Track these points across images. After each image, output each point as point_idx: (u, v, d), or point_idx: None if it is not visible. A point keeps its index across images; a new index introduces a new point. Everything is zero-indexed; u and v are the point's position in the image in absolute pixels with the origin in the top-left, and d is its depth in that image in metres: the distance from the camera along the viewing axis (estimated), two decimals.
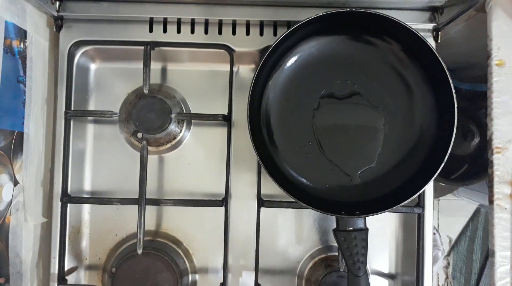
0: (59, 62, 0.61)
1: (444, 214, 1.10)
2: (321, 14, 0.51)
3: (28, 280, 0.57)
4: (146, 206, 0.58)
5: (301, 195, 0.53)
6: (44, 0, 0.56)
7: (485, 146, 0.54)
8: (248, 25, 0.62)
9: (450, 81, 0.50)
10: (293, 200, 0.51)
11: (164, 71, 0.64)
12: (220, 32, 0.62)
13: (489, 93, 0.53)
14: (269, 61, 0.54)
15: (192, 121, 0.64)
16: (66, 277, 0.59)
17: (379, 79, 0.57)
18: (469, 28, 0.61)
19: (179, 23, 0.61)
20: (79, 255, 0.63)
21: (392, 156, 0.57)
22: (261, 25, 0.62)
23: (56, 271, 0.59)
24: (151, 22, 0.61)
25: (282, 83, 0.57)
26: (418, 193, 0.51)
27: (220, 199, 0.60)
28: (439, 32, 0.60)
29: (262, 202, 0.60)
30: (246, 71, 0.64)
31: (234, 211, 0.62)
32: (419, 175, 0.54)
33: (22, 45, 0.54)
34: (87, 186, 0.64)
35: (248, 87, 0.52)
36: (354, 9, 0.52)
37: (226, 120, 0.60)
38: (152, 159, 0.63)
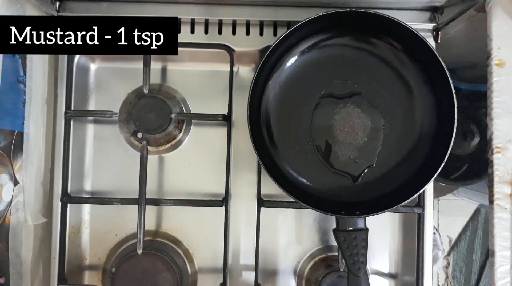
0: (59, 62, 0.61)
1: (444, 214, 1.09)
2: (321, 14, 0.51)
3: (28, 280, 0.57)
4: (146, 206, 0.58)
5: (301, 195, 0.53)
6: (44, 0, 0.56)
7: (485, 146, 0.54)
8: (248, 25, 0.62)
9: (450, 81, 0.50)
10: (293, 200, 0.51)
11: (164, 71, 0.65)
12: (220, 32, 0.62)
13: (489, 93, 0.53)
14: (269, 61, 0.54)
15: (192, 121, 0.64)
16: (66, 277, 0.60)
17: (379, 79, 0.57)
18: (469, 28, 0.61)
19: (179, 23, 0.61)
20: (79, 255, 0.63)
21: (392, 156, 0.57)
22: (261, 25, 0.62)
23: (56, 271, 0.59)
24: None
25: (282, 83, 0.57)
26: (418, 193, 0.51)
27: (220, 199, 0.60)
28: (439, 32, 0.60)
29: (262, 202, 0.60)
30: (246, 71, 0.64)
31: (234, 211, 0.62)
32: (419, 175, 0.54)
33: None
34: (87, 186, 0.64)
35: (248, 87, 0.52)
36: (354, 9, 0.52)
37: (226, 120, 0.60)
38: (152, 159, 0.63)
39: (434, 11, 0.60)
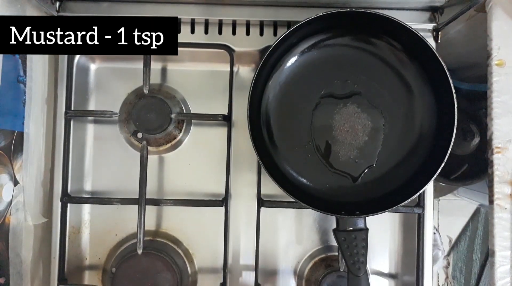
0: (59, 62, 0.61)
1: (444, 214, 1.10)
2: (321, 14, 0.51)
3: (28, 280, 0.57)
4: (146, 206, 0.58)
5: (301, 195, 0.53)
6: (44, 0, 0.56)
7: (485, 146, 0.54)
8: (248, 25, 0.62)
9: (450, 81, 0.50)
10: (293, 200, 0.51)
11: (164, 71, 0.64)
12: (220, 32, 0.62)
13: (489, 93, 0.53)
14: (269, 61, 0.54)
15: (192, 121, 0.64)
16: (66, 277, 0.60)
17: (379, 79, 0.57)
18: (469, 28, 0.61)
19: (179, 23, 0.61)
20: (79, 255, 0.63)
21: (392, 156, 0.57)
22: (261, 25, 0.62)
23: (56, 271, 0.59)
24: None
25: (282, 83, 0.57)
26: (418, 193, 0.51)
27: (220, 199, 0.60)
28: (439, 32, 0.60)
29: (262, 202, 0.60)
30: (246, 71, 0.64)
31: (234, 211, 0.62)
32: (419, 175, 0.54)
33: None
34: (87, 186, 0.64)
35: (248, 87, 0.52)
36: (354, 9, 0.52)
37: (226, 120, 0.60)
38: (152, 159, 0.63)
39: (434, 11, 0.60)
